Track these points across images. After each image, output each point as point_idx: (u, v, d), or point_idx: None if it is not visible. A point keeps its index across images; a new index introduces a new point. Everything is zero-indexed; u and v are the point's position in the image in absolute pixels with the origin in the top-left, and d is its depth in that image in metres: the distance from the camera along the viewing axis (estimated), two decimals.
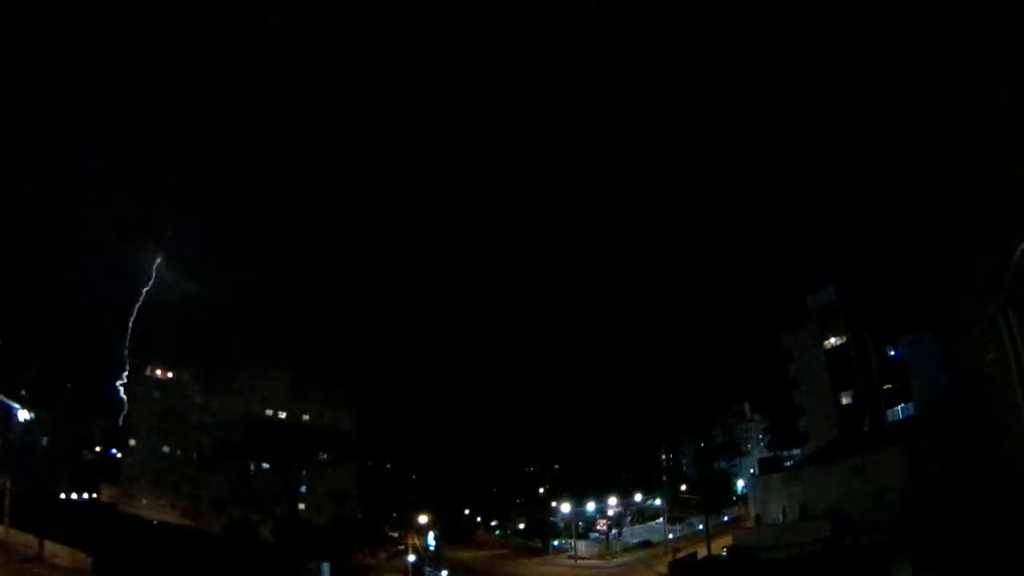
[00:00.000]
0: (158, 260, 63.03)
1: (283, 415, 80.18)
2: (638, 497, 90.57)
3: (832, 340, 51.62)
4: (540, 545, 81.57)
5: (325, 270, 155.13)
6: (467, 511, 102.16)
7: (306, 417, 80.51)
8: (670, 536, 68.15)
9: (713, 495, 64.65)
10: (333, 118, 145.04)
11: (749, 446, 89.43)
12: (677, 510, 73.40)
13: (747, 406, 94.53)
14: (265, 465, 77.15)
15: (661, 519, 76.58)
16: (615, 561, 66.44)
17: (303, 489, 77.61)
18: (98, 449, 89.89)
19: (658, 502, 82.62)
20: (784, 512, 41.94)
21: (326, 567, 50.74)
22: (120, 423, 73.84)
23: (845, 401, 49.87)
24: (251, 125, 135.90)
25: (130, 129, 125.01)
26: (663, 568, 50.86)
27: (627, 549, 71.42)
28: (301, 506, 75.94)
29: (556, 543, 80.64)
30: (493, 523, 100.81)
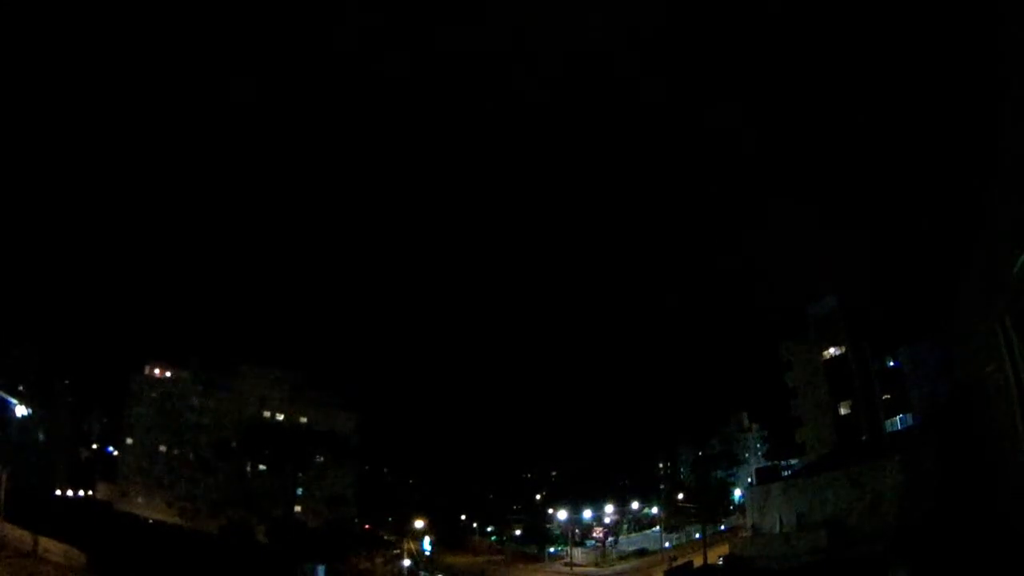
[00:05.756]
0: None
1: (281, 417, 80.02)
2: (635, 505, 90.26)
3: (831, 350, 51.59)
4: (536, 552, 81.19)
5: (327, 274, 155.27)
6: (463, 517, 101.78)
7: (304, 420, 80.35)
8: (667, 544, 67.88)
9: (710, 504, 64.25)
10: (336, 123, 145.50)
11: (747, 455, 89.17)
12: (674, 519, 73.10)
13: (745, 415, 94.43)
14: (262, 467, 76.90)
15: (658, 527, 76.28)
16: (611, 569, 66.17)
17: (300, 492, 77.32)
18: (95, 446, 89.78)
19: (655, 510, 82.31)
20: (781, 522, 41.82)
21: (322, 570, 50.52)
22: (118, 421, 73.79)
23: (843, 411, 49.79)
24: (253, 127, 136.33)
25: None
26: None
27: (623, 557, 71.11)
28: (297, 509, 75.65)
29: (552, 550, 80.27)
30: (489, 529, 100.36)
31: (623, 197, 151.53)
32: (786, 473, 59.33)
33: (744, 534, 50.11)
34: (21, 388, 59.34)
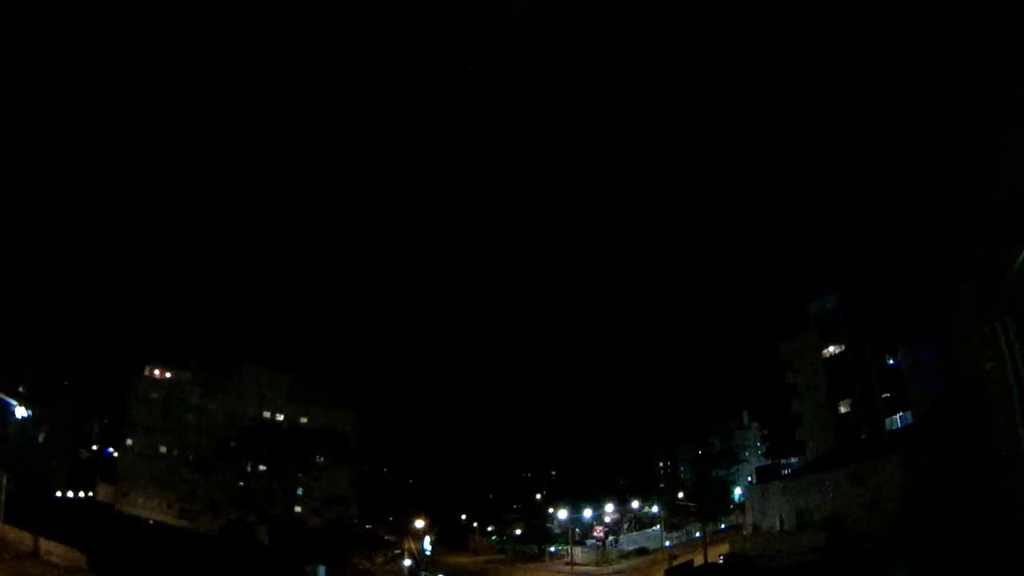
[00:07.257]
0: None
1: (281, 417, 79.92)
2: (635, 504, 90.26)
3: (831, 348, 51.65)
4: (537, 551, 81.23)
5: (326, 274, 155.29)
6: (464, 516, 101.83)
7: (304, 420, 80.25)
8: (667, 543, 67.87)
9: (710, 503, 64.26)
10: (336, 123, 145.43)
11: (747, 454, 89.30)
12: (674, 517, 73.12)
13: (745, 414, 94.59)
14: (262, 467, 76.80)
15: (658, 526, 76.31)
16: (612, 568, 66.13)
17: (300, 492, 77.23)
18: (95, 447, 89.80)
19: (655, 509, 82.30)
20: (781, 520, 41.93)
21: (322, 570, 50.61)
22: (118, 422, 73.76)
23: (843, 409, 49.84)
24: (253, 127, 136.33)
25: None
26: (660, 575, 50.71)
27: (624, 556, 71.08)
28: (298, 509, 75.54)
29: (553, 549, 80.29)
30: (490, 528, 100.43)
31: (623, 196, 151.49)
32: (786, 471, 59.46)
33: (744, 532, 50.21)
34: (21, 389, 59.36)
